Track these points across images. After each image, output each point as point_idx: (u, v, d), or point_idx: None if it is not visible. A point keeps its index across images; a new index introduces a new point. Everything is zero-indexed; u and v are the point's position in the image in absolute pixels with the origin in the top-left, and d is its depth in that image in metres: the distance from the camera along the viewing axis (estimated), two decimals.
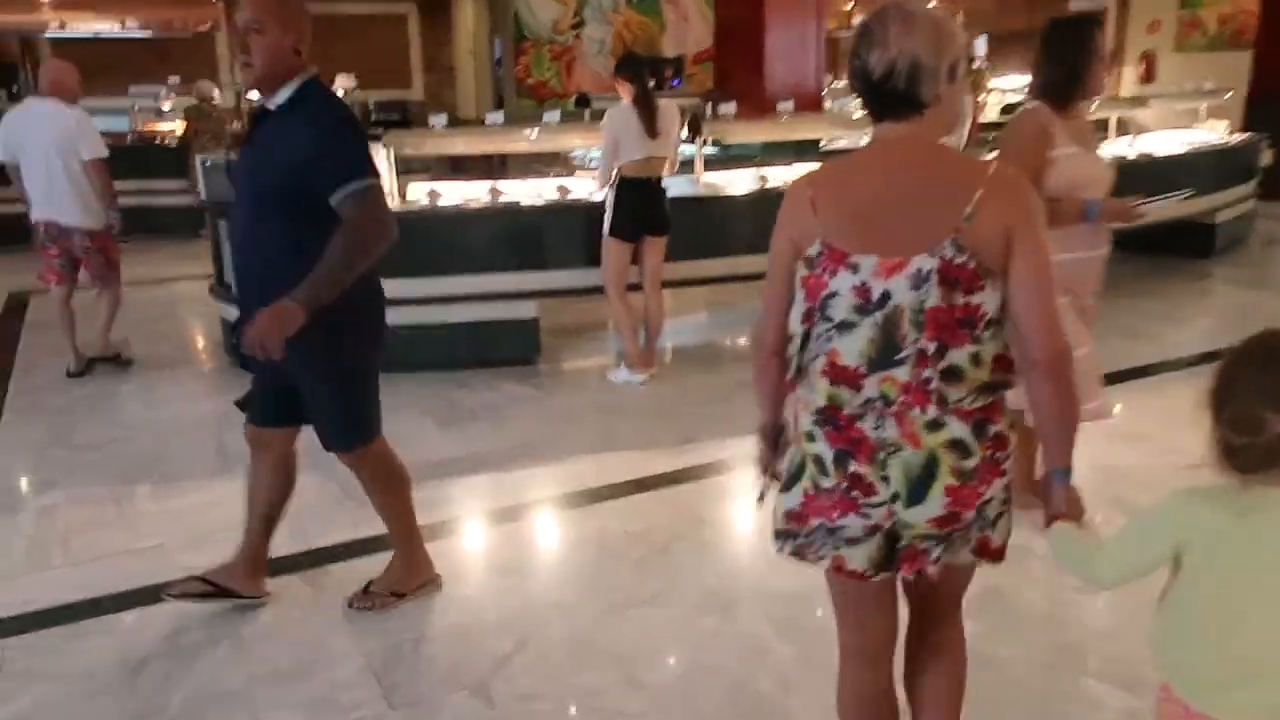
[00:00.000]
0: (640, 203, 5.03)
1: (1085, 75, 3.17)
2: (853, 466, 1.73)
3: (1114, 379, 4.23)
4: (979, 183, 1.66)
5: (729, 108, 5.88)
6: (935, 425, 1.69)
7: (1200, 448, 1.49)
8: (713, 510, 3.74)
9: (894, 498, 1.73)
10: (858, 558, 1.78)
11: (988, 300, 1.67)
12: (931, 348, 1.66)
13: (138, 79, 10.65)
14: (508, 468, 4.11)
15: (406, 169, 9.94)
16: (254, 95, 10.98)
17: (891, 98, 1.71)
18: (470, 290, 5.23)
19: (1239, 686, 1.52)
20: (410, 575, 3.11)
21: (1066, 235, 2.96)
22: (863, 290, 1.67)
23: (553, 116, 5.70)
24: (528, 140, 5.76)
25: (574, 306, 6.24)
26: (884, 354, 1.68)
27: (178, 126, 9.91)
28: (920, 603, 1.99)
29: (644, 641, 2.87)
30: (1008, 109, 7.55)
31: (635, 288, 5.21)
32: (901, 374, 1.67)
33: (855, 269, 1.68)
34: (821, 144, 7.84)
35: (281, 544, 3.43)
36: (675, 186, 5.25)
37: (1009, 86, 8.80)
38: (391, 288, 5.10)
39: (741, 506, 3.77)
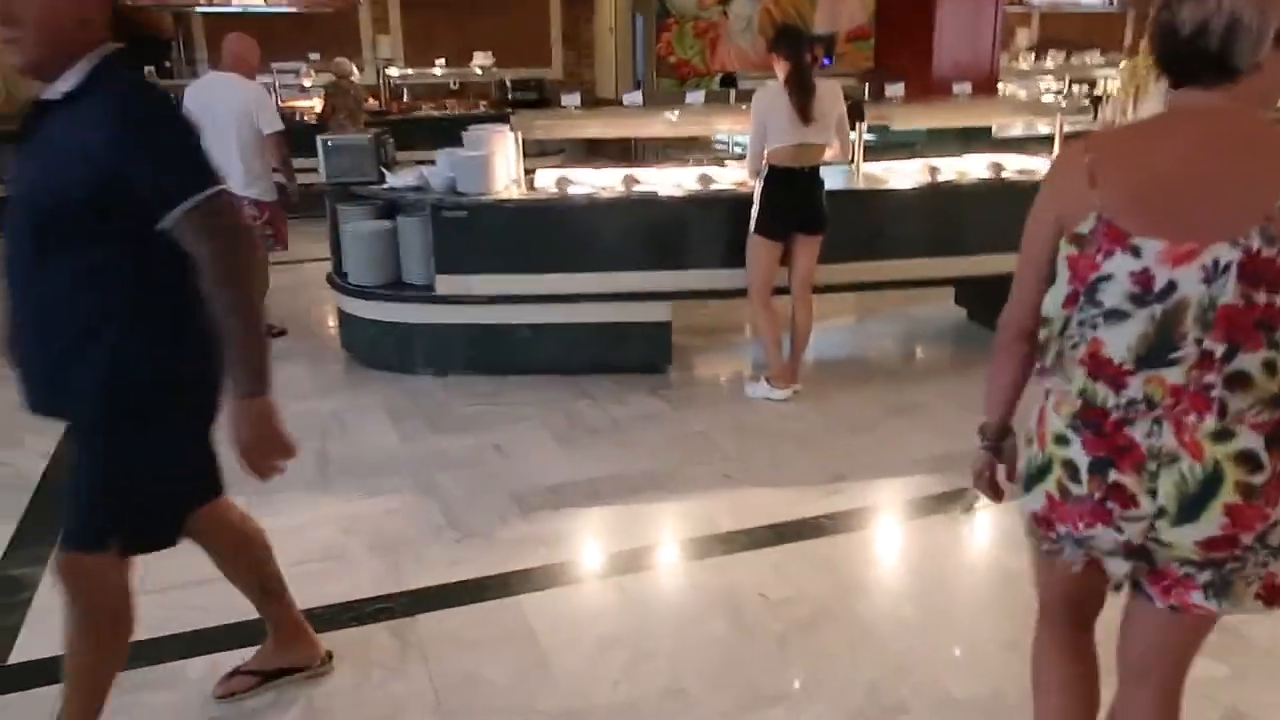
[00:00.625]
0: (791, 196, 4.43)
1: None
2: (1113, 476, 1.56)
3: None
4: None
5: (896, 89, 5.19)
6: (1223, 435, 1.50)
7: None
8: (869, 575, 3.13)
9: (1159, 513, 1.55)
10: (1117, 570, 1.65)
11: None
12: (1220, 350, 1.48)
13: (283, 54, 10.62)
14: (628, 500, 3.60)
15: (540, 151, 9.69)
16: (394, 71, 10.61)
17: (1200, 60, 1.50)
18: (598, 289, 4.75)
19: None
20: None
21: None
22: (1143, 278, 1.49)
23: (696, 98, 5.14)
24: (668, 123, 5.22)
25: (709, 307, 5.70)
26: (1156, 352, 1.51)
27: (317, 104, 9.81)
28: (1139, 650, 1.75)
29: None
30: None
31: (781, 291, 4.63)
32: (1173, 375, 1.51)
33: (1137, 253, 1.49)
34: (994, 131, 7.04)
35: (366, 582, 3.04)
36: (830, 179, 4.63)
37: None
38: (513, 284, 4.90)
39: (905, 572, 3.16)
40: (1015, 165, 5.28)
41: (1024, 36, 12.54)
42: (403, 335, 4.94)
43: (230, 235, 1.89)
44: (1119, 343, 1.53)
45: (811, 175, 4.43)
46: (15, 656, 2.74)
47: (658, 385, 4.79)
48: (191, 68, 11.95)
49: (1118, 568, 1.65)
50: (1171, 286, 1.48)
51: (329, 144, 5.05)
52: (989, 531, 3.41)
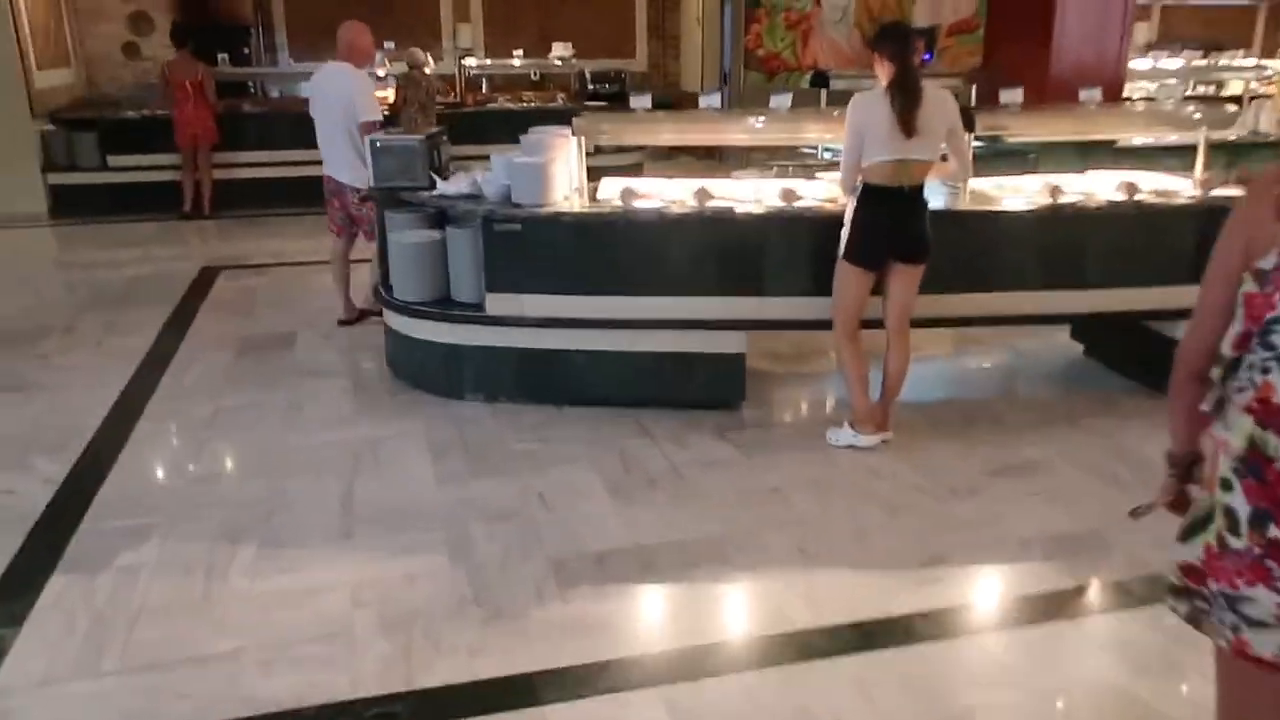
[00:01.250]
0: (889, 219, 3.85)
1: None
2: (1273, 531, 1.46)
3: None
4: None
5: (1014, 95, 4.53)
6: None
7: None
8: (973, 700, 2.56)
9: None
10: (1268, 644, 1.49)
11: None
12: None
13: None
14: (685, 576, 3.09)
15: (617, 149, 9.18)
16: (471, 61, 10.31)
17: None
18: (663, 314, 4.24)
19: None
20: None
21: None
22: None
23: (781, 101, 4.57)
24: (750, 129, 4.67)
25: (791, 336, 5.13)
26: None
27: (391, 94, 9.50)
28: None
29: None
30: None
31: (873, 324, 4.06)
32: None
33: None
34: (1118, 141, 6.28)
35: (370, 675, 2.59)
36: (933, 197, 4.02)
37: None
38: (569, 306, 4.25)
39: (1018, 697, 2.58)
40: (1149, 184, 4.59)
41: (1142, 32, 11.56)
42: (450, 357, 4.50)
43: None
44: None
45: (914, 196, 3.84)
46: None
47: (727, 425, 4.26)
48: (271, 55, 11.79)
49: (1271, 643, 1.49)
50: None
51: (377, 145, 4.63)
52: (1128, 644, 2.80)
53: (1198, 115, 4.67)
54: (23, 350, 5.29)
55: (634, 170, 8.78)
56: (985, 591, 3.07)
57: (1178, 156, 5.51)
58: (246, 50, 11.26)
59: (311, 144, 5.48)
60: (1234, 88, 9.06)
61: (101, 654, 2.69)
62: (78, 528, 3.41)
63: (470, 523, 3.42)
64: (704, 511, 3.52)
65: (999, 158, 5.80)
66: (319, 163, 5.52)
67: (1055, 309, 4.47)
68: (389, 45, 10.16)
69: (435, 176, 4.58)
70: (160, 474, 3.92)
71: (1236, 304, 1.49)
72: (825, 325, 4.11)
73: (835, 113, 4.18)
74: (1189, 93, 8.64)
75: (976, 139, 4.75)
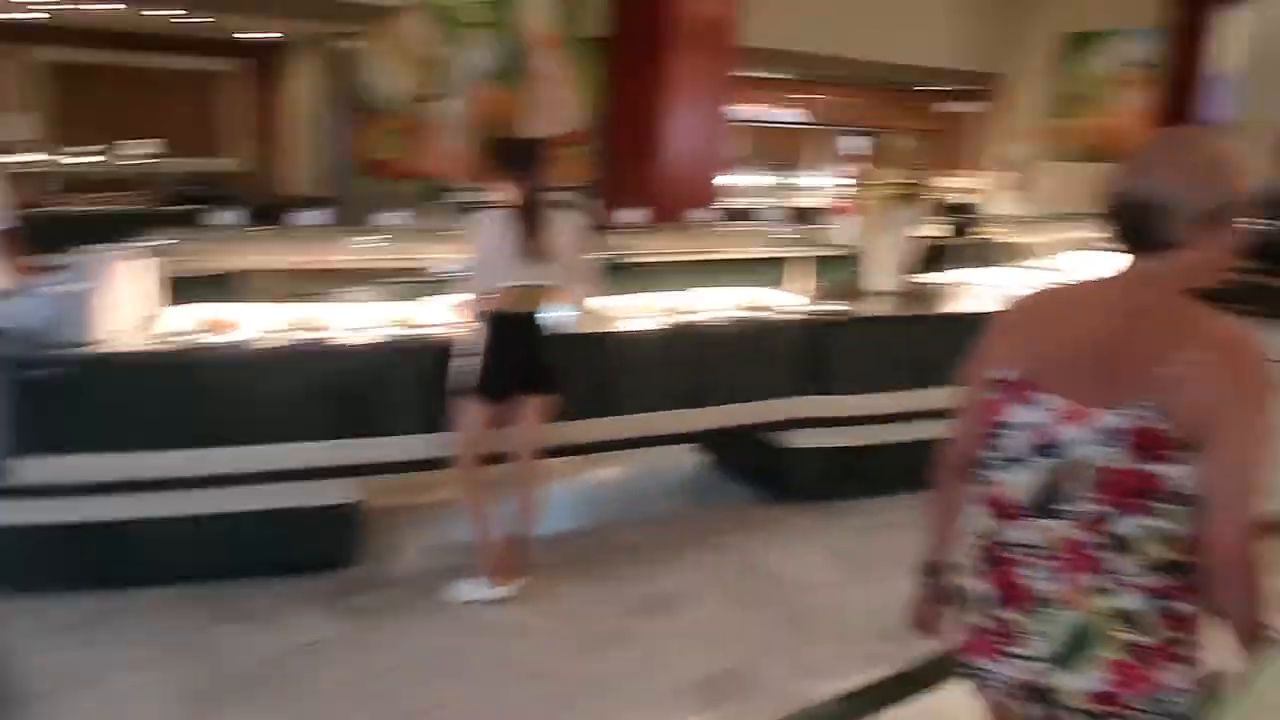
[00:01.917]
0: (514, 349, 3.56)
1: None
2: (1002, 611, 1.66)
3: None
4: (1196, 342, 1.50)
5: (632, 215, 4.51)
6: (1104, 592, 1.55)
7: None
8: None
9: (1049, 658, 1.61)
10: (1030, 716, 1.66)
11: (1177, 474, 1.49)
12: (1098, 511, 1.54)
13: None
14: None
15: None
16: (29, 156, 8.57)
17: (1135, 230, 1.56)
18: (257, 466, 3.57)
19: None
20: None
21: None
22: (1041, 431, 1.59)
23: (392, 218, 4.19)
24: (357, 251, 4.20)
25: (412, 482, 4.62)
26: (1048, 502, 1.59)
27: None
28: None
29: None
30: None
31: (499, 458, 3.71)
32: (1061, 528, 1.58)
33: (1039, 406, 1.60)
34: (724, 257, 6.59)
35: None
36: (554, 321, 3.80)
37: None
38: (131, 464, 3.38)
39: None
40: (764, 300, 4.76)
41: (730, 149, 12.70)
42: None
43: None
44: (1018, 488, 1.61)
45: (535, 321, 3.59)
46: None
47: (340, 592, 3.64)
48: None
49: (1030, 712, 1.66)
50: (1065, 444, 1.56)
51: None
52: None
53: (796, 233, 4.97)
54: None
55: (221, 291, 7.90)
56: None
57: (773, 269, 5.84)
58: None
59: None
60: (806, 200, 10.09)
61: None
62: None
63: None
64: (314, 715, 2.90)
65: (619, 276, 5.81)
66: None
67: (681, 428, 4.41)
68: None
69: None
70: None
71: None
72: (447, 464, 3.69)
73: (455, 229, 3.87)
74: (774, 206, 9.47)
75: (597, 258, 4.65)
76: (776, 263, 5.32)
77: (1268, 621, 1.54)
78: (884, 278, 5.28)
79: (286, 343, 3.68)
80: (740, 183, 10.07)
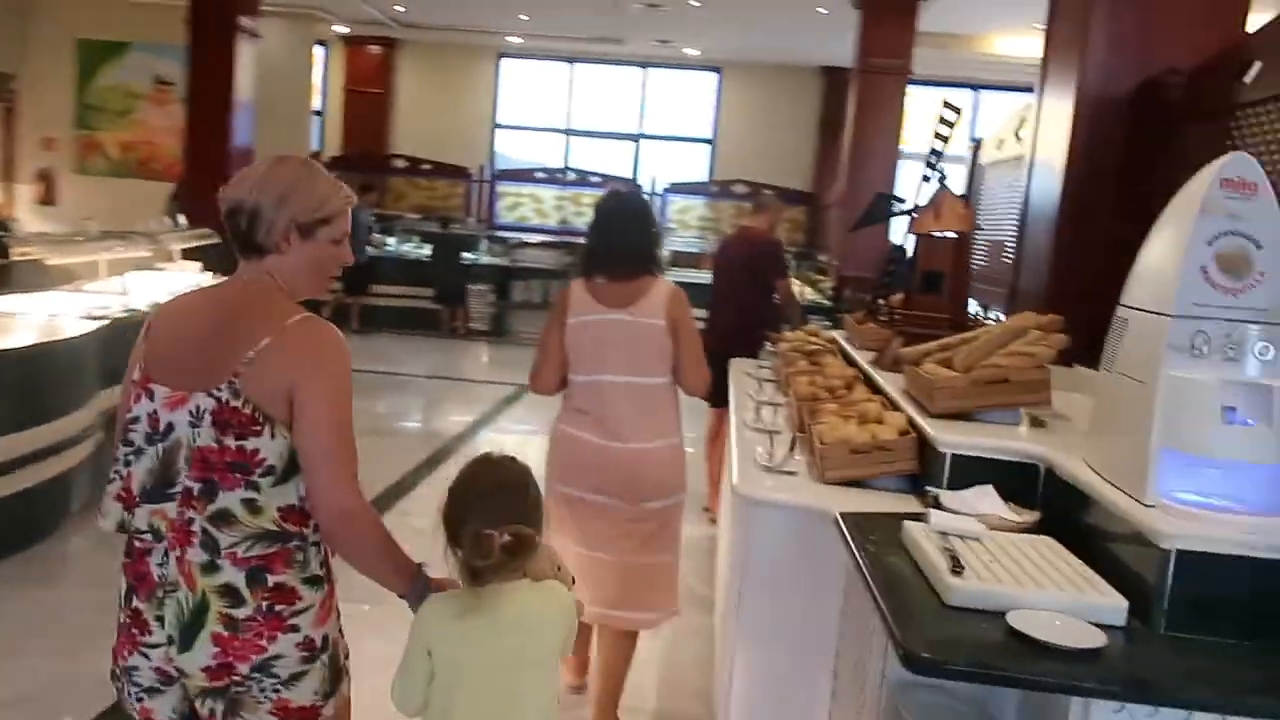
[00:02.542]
0: None
1: None
2: (135, 602, 1.72)
3: None
4: (272, 330, 1.68)
5: None
6: (210, 568, 1.66)
7: None
8: None
9: (169, 641, 1.69)
10: (162, 710, 1.75)
11: (266, 447, 1.66)
12: (198, 488, 1.66)
13: None
14: None
15: None
16: None
17: (236, 238, 1.77)
18: None
19: None
20: None
21: None
22: (153, 419, 1.69)
23: None
24: None
25: None
26: (159, 486, 1.68)
27: None
28: None
29: None
30: None
31: None
32: (171, 509, 1.68)
33: (152, 396, 1.70)
34: None
35: None
36: None
37: None
38: None
39: None
40: None
41: None
42: None
43: None
44: (139, 476, 1.70)
45: None
46: None
47: None
48: None
49: (165, 708, 1.75)
50: (171, 427, 1.68)
51: None
52: None
53: None
54: None
55: None
56: None
57: None
58: None
59: None
60: None
61: None
62: None
63: None
64: None
65: None
66: None
67: None
68: None
69: None
70: None
71: None
72: None
73: None
74: None
75: None
76: None
77: (403, 561, 1.83)
78: None
79: None
80: None
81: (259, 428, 1.65)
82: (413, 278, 11.72)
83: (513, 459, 1.90)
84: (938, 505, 2.29)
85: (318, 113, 14.39)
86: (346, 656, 1.89)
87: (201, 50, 9.85)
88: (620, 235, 3.16)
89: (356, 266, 8.00)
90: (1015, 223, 4.24)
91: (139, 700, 1.76)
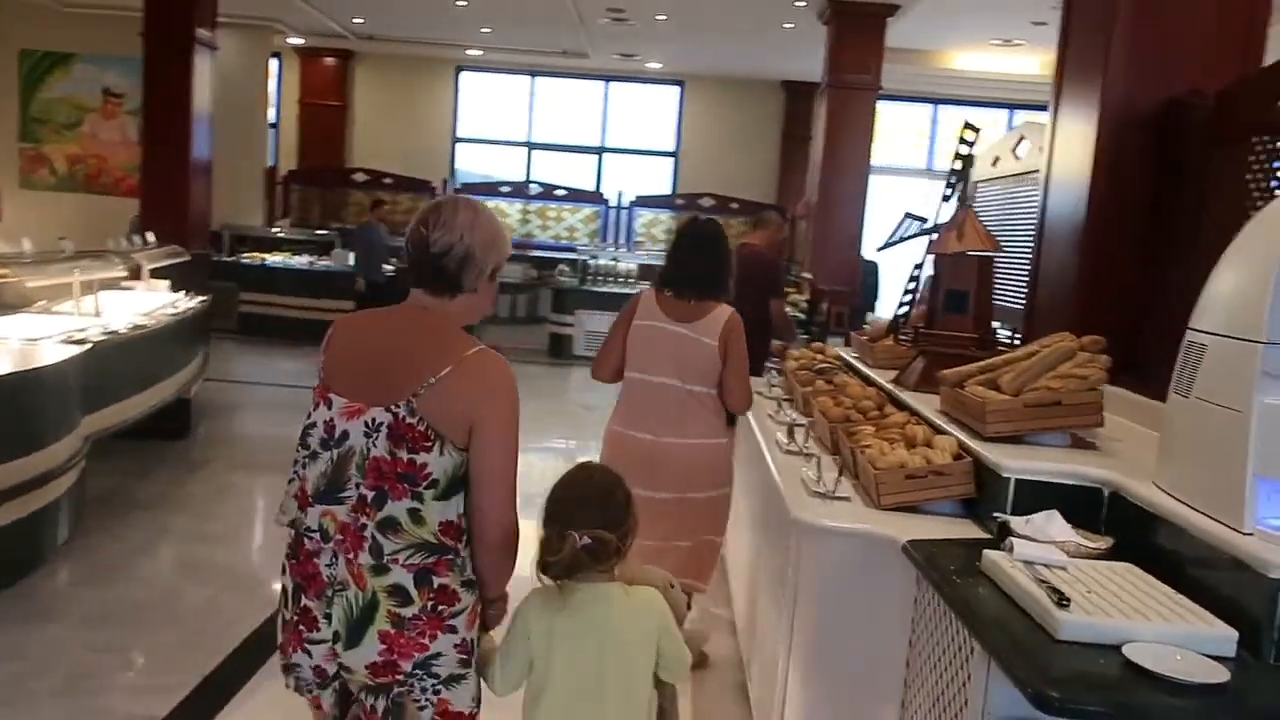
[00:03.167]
0: None
1: None
2: (304, 600, 1.84)
3: None
4: (453, 359, 1.83)
5: None
6: (380, 570, 1.80)
7: None
8: None
9: (335, 637, 1.82)
10: (326, 696, 1.90)
11: (434, 463, 1.79)
12: (371, 495, 1.80)
13: None
14: None
15: None
16: None
17: (440, 274, 1.90)
18: None
19: None
20: None
21: None
22: (329, 425, 1.85)
23: None
24: None
25: None
26: (330, 488, 1.82)
27: None
28: None
29: None
30: None
31: None
32: (342, 512, 1.82)
33: (330, 405, 1.86)
34: None
35: None
36: None
37: None
38: None
39: None
40: None
41: None
42: None
43: None
44: (311, 479, 1.85)
45: None
46: None
47: None
48: None
49: (329, 700, 1.90)
50: (345, 435, 1.83)
51: None
52: None
53: None
54: None
55: None
56: None
57: None
58: None
59: None
60: None
61: None
62: None
63: None
64: None
65: None
66: None
67: None
68: None
69: None
70: None
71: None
72: None
73: None
74: None
75: None
76: None
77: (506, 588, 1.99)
78: None
79: None
80: None
81: (430, 444, 1.79)
82: (371, 293, 11.45)
83: (606, 469, 2.06)
84: (1007, 532, 2.27)
85: (272, 125, 14.10)
86: None
87: (158, 63, 9.59)
88: (693, 261, 3.47)
89: (379, 286, 7.90)
90: (1020, 240, 4.27)
91: (309, 691, 1.91)
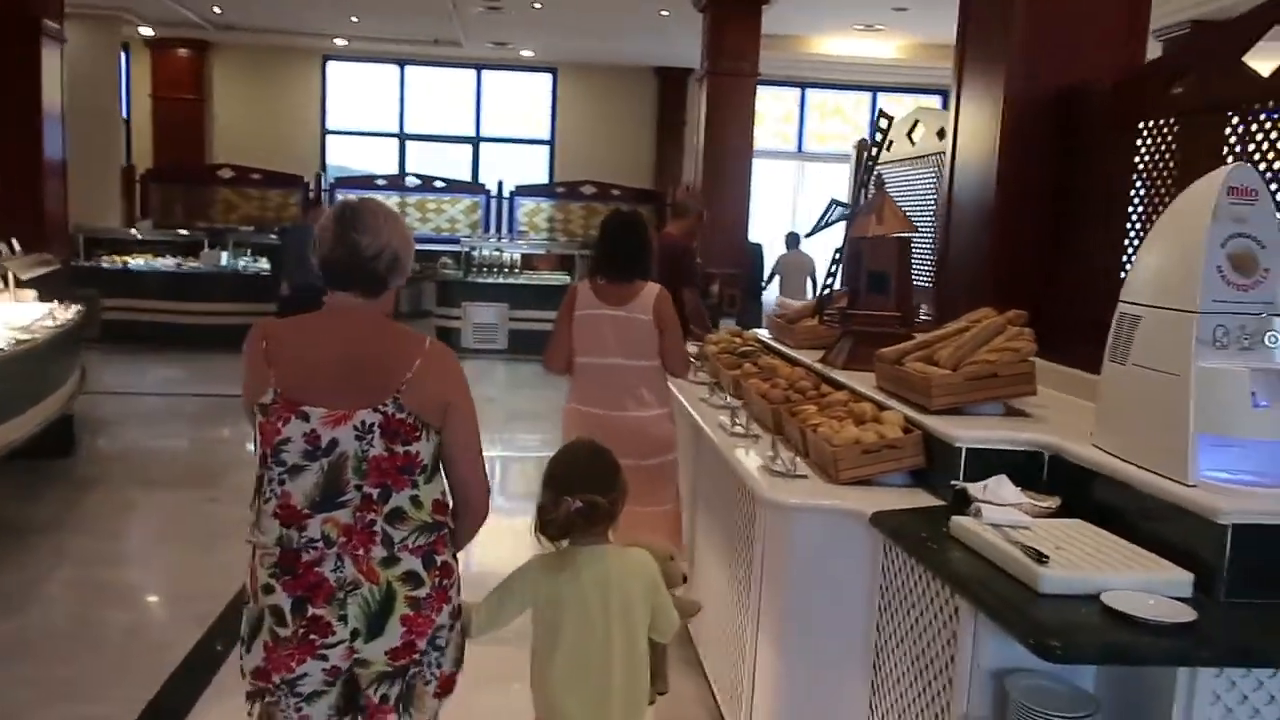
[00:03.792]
0: None
1: None
2: (311, 610, 1.86)
3: None
4: (417, 353, 1.96)
5: None
6: (390, 561, 1.90)
7: None
8: None
9: (354, 635, 1.89)
10: (320, 713, 1.91)
11: (423, 449, 1.94)
12: (376, 493, 1.90)
13: None
14: None
15: None
16: None
17: (370, 276, 1.98)
18: None
19: (571, 690, 2.14)
20: None
21: None
22: (311, 437, 1.87)
23: None
24: None
25: None
26: (328, 496, 1.87)
27: None
28: None
29: None
30: None
31: None
32: (344, 515, 1.88)
33: (306, 418, 1.87)
34: None
35: None
36: None
37: None
38: None
39: None
40: None
41: None
42: None
43: None
44: (299, 492, 1.86)
45: None
46: None
47: None
48: None
49: (321, 711, 1.92)
50: (334, 443, 1.87)
51: None
52: None
53: None
54: None
55: None
56: None
57: None
58: None
59: None
60: None
61: None
62: None
63: None
64: None
65: None
66: None
67: None
68: None
69: None
70: None
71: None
72: None
73: None
74: None
75: None
76: None
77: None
78: None
79: None
80: None
81: (418, 434, 1.92)
82: (246, 293, 10.99)
83: (594, 443, 2.30)
84: (965, 498, 2.42)
85: (124, 121, 13.34)
86: None
87: (1, 58, 8.93)
88: (620, 247, 3.78)
89: (309, 289, 7.55)
90: (919, 221, 4.49)
91: (298, 710, 1.91)
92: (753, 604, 2.85)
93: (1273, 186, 2.59)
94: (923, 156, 5.04)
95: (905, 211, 3.93)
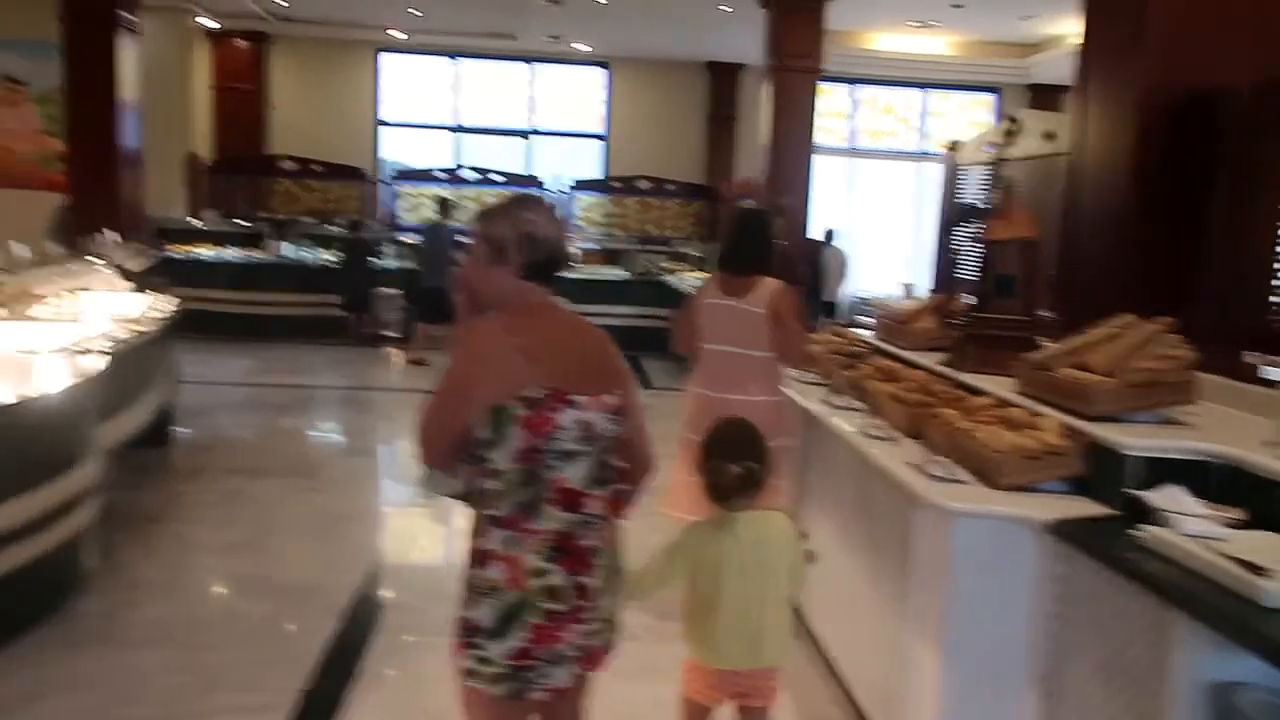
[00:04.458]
0: None
1: None
2: (581, 579, 2.04)
3: None
4: (607, 340, 2.17)
5: None
6: (614, 527, 2.18)
7: None
8: None
9: (602, 596, 2.11)
10: (562, 676, 2.05)
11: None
12: (619, 467, 2.15)
13: None
14: None
15: None
16: None
17: (553, 266, 2.11)
18: None
19: (734, 635, 2.46)
20: None
21: None
22: (584, 424, 2.02)
23: None
24: None
25: None
26: (600, 477, 2.08)
27: None
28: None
29: None
30: None
31: None
32: (607, 492, 2.12)
33: (574, 405, 2.01)
34: None
35: None
36: None
37: None
38: None
39: None
40: None
41: None
42: None
43: None
44: (576, 475, 2.02)
45: None
46: None
47: None
48: None
49: (564, 673, 2.05)
50: (594, 426, 2.04)
51: None
52: None
53: None
54: None
55: None
56: None
57: None
58: None
59: None
60: None
61: None
62: None
63: None
64: None
65: None
66: None
67: None
68: None
69: None
70: None
71: (499, 431, 1.98)
72: None
73: None
74: None
75: None
76: None
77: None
78: None
79: None
80: None
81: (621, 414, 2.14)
82: (313, 285, 11.14)
83: (745, 421, 2.61)
84: (1140, 507, 2.45)
85: None
86: None
87: (78, 48, 9.07)
88: (743, 243, 4.10)
89: (436, 292, 7.72)
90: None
91: (543, 679, 2.01)
92: (909, 610, 2.89)
93: None
94: (1026, 159, 5.05)
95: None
